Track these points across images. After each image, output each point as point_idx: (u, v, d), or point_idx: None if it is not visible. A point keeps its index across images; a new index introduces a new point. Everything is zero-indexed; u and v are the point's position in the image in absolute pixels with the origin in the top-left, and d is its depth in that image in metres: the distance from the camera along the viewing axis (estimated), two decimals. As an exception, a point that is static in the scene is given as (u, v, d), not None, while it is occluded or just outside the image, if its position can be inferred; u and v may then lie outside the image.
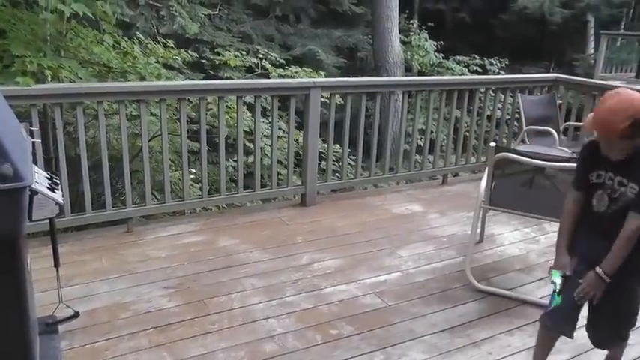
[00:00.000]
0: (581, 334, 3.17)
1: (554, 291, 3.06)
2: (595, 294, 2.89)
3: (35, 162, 3.20)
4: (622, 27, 20.36)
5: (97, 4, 6.06)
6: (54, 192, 3.00)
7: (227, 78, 11.74)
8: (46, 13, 5.67)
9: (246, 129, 7.06)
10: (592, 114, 2.87)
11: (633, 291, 3.01)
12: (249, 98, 6.54)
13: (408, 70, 15.76)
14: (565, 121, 7.10)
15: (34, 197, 2.74)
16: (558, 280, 3.05)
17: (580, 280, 2.94)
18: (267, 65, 11.40)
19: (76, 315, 3.65)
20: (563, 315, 3.06)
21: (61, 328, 3.57)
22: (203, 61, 11.85)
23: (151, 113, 6.41)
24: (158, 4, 11.64)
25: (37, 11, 5.97)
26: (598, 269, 2.86)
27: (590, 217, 3.03)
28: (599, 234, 2.98)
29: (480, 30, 19.63)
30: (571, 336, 3.06)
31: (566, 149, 5.81)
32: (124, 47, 7.29)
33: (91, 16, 6.01)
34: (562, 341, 3.22)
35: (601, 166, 2.93)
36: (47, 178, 3.13)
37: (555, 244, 3.22)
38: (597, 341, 3.23)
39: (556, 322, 3.10)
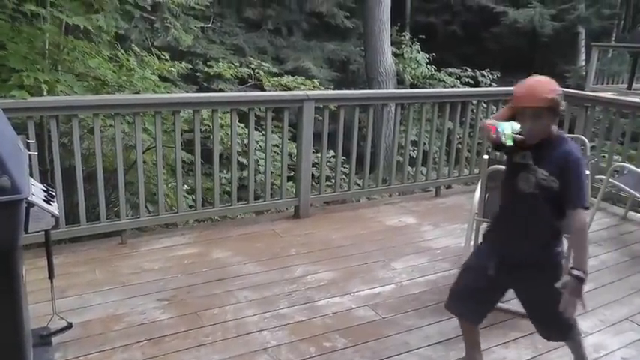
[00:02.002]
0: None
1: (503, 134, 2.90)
2: (581, 299, 2.92)
3: (31, 174, 3.21)
4: (613, 38, 20.50)
5: (94, 17, 6.08)
6: (50, 204, 3.01)
7: (220, 90, 11.79)
8: (45, 24, 5.71)
9: (240, 141, 7.09)
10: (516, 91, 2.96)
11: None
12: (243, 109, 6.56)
13: (400, 82, 15.84)
14: (557, 134, 7.12)
15: (31, 209, 2.75)
16: (507, 130, 2.89)
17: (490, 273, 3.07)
18: (261, 74, 11.43)
19: (70, 326, 3.65)
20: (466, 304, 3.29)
21: (54, 339, 3.58)
22: (197, 73, 11.89)
23: (144, 127, 6.40)
24: (152, 17, 11.65)
25: (36, 25, 5.98)
26: (575, 272, 2.87)
27: (511, 197, 3.14)
28: (518, 220, 3.09)
29: (471, 42, 19.75)
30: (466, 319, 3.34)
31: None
32: (121, 59, 7.30)
33: (90, 29, 6.03)
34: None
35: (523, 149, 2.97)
36: (43, 190, 3.14)
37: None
38: (548, 335, 3.32)
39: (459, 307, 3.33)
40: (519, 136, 2.89)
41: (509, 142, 2.88)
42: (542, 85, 2.88)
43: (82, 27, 5.80)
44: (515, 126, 2.90)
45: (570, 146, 2.96)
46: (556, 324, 3.17)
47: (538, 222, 3.03)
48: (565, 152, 2.91)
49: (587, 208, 2.92)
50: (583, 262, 2.92)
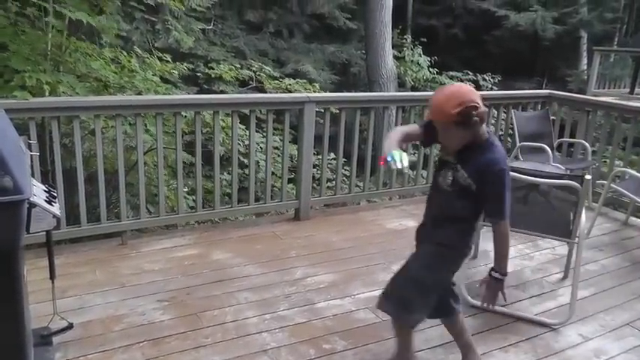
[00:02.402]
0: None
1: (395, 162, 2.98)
2: (498, 296, 3.14)
3: (33, 174, 3.22)
4: (615, 43, 20.46)
5: (97, 18, 6.10)
6: (51, 205, 3.01)
7: (221, 92, 11.81)
8: (49, 17, 5.71)
9: (241, 143, 7.10)
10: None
11: (431, 257, 3.24)
12: (244, 111, 6.56)
13: (401, 85, 15.84)
14: (559, 138, 7.13)
15: (32, 210, 2.75)
16: (397, 159, 2.96)
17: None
18: (263, 76, 11.45)
19: (71, 327, 3.66)
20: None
21: (55, 339, 3.59)
22: (198, 74, 11.90)
23: (146, 127, 6.41)
24: (153, 19, 11.67)
25: (38, 25, 5.99)
26: (494, 273, 3.10)
27: (435, 192, 3.27)
28: (433, 208, 3.31)
29: (472, 46, 19.75)
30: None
31: (560, 165, 5.84)
32: (122, 61, 7.31)
33: (93, 24, 6.04)
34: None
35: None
36: (45, 190, 3.15)
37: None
38: (381, 298, 3.41)
39: None
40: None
41: (405, 165, 2.97)
42: (449, 100, 2.88)
43: (84, 27, 5.79)
44: (404, 155, 2.99)
45: (496, 155, 3.00)
46: (393, 289, 3.33)
47: (449, 215, 3.17)
48: (488, 160, 2.98)
49: (506, 217, 3.04)
50: (502, 265, 3.10)
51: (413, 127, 3.42)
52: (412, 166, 5.93)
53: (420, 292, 3.21)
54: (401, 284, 3.29)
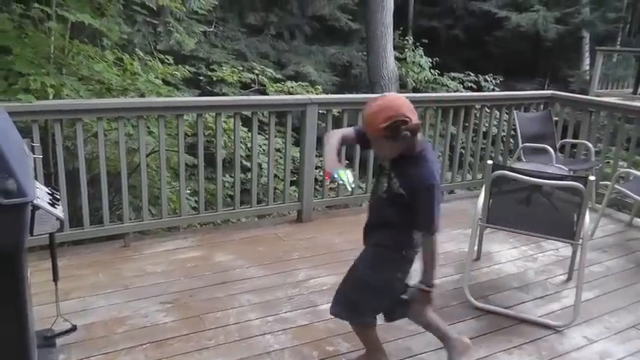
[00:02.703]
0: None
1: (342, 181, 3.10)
2: (427, 306, 3.33)
3: (36, 177, 3.22)
4: (618, 43, 20.37)
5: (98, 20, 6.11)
6: (55, 207, 3.02)
7: (223, 94, 11.81)
8: (52, 22, 5.72)
9: (243, 146, 7.09)
10: None
11: (371, 258, 3.33)
12: (246, 113, 6.55)
13: (403, 86, 15.83)
14: (561, 138, 7.12)
15: (36, 212, 2.76)
16: (344, 177, 3.08)
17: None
18: (265, 80, 11.45)
19: (74, 329, 3.66)
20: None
21: (58, 341, 3.59)
22: (200, 77, 11.90)
23: (149, 129, 6.41)
24: (155, 21, 11.67)
25: (41, 28, 6.00)
26: (420, 284, 3.20)
27: (372, 197, 3.36)
28: (372, 212, 3.36)
29: (473, 47, 19.74)
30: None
31: (563, 166, 5.83)
32: (125, 63, 7.31)
33: (96, 26, 6.05)
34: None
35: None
36: (48, 193, 3.15)
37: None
38: (333, 303, 3.45)
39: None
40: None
41: (350, 180, 3.09)
42: (378, 114, 2.91)
43: (86, 30, 5.81)
44: (349, 173, 3.11)
45: (426, 169, 3.01)
46: (341, 294, 3.41)
47: (381, 220, 3.25)
48: (419, 175, 3.01)
49: (434, 232, 3.07)
50: (429, 278, 3.19)
51: (348, 131, 3.49)
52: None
53: (365, 292, 3.29)
54: (347, 287, 3.39)
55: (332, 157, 3.24)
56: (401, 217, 3.11)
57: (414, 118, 2.94)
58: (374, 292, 3.30)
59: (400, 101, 2.99)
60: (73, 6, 5.95)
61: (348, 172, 3.12)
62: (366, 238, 3.40)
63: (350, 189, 3.20)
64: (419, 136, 3.01)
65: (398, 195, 3.06)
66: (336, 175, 3.09)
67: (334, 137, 3.40)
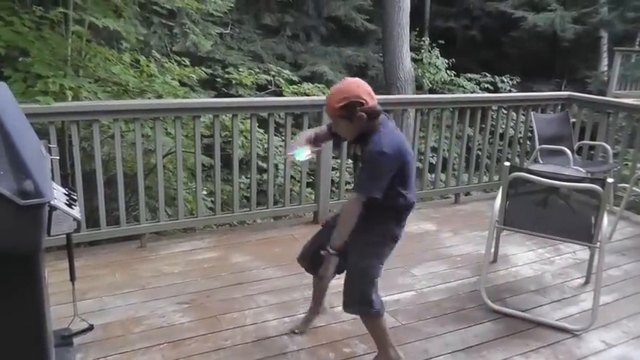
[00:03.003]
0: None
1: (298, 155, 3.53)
2: (330, 268, 3.41)
3: (53, 178, 3.23)
4: (637, 43, 20.15)
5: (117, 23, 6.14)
6: (72, 208, 3.03)
7: (239, 96, 11.83)
8: (76, 25, 5.77)
9: (260, 147, 7.10)
10: None
11: (364, 255, 3.40)
12: (262, 114, 6.55)
13: (419, 87, 15.78)
14: (579, 140, 7.08)
15: (53, 213, 2.77)
16: (304, 155, 3.51)
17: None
18: (281, 82, 11.45)
19: (91, 328, 3.70)
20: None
21: (76, 341, 3.62)
22: (216, 79, 11.92)
23: (165, 130, 6.43)
24: (171, 23, 11.70)
25: (59, 31, 6.03)
26: (328, 248, 3.35)
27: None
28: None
29: (490, 47, 19.64)
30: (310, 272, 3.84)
31: (580, 169, 5.79)
32: (141, 65, 7.34)
33: (118, 29, 6.09)
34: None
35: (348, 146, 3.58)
36: (65, 194, 3.16)
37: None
38: (344, 302, 3.53)
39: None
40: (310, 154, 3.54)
41: (301, 159, 3.55)
42: (334, 95, 3.16)
43: (104, 32, 5.84)
44: (307, 151, 3.51)
45: (381, 138, 3.14)
46: (349, 288, 3.48)
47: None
48: (372, 142, 3.14)
49: (363, 197, 3.20)
50: (335, 243, 3.32)
51: (322, 128, 3.73)
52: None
53: (367, 280, 3.42)
54: (353, 282, 3.47)
55: (299, 139, 3.60)
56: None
57: (372, 102, 3.15)
58: (373, 277, 3.43)
59: (356, 84, 3.20)
60: (95, 9, 5.98)
61: (305, 149, 3.51)
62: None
63: (298, 160, 3.58)
64: (382, 119, 3.24)
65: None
66: (294, 152, 3.51)
67: (307, 131, 3.73)
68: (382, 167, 3.13)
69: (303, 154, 3.51)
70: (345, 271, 3.50)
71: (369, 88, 3.21)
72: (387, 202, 3.23)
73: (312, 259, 3.66)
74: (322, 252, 3.38)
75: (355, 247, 3.38)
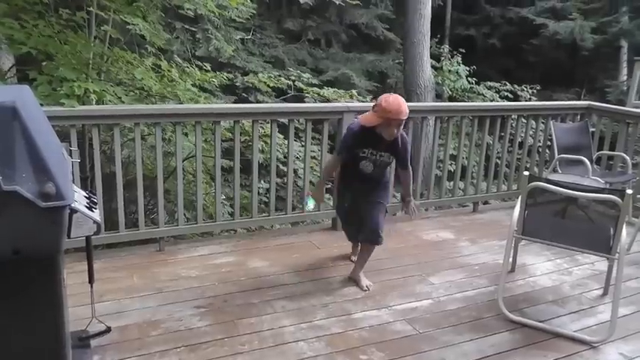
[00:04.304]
0: None
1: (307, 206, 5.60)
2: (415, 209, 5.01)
3: (73, 181, 3.26)
4: (657, 53, 20.04)
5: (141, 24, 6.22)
6: (92, 211, 3.06)
7: (258, 101, 11.86)
8: (105, 25, 5.83)
9: (280, 150, 7.12)
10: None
11: (382, 204, 4.79)
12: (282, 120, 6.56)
13: (439, 95, 15.75)
14: (598, 150, 7.04)
15: (74, 216, 2.80)
16: (312, 204, 5.48)
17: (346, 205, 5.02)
18: (301, 85, 11.47)
19: (108, 330, 3.70)
20: (351, 234, 5.15)
21: (93, 343, 3.63)
22: (236, 83, 11.96)
23: (186, 136, 6.48)
24: (193, 28, 11.77)
25: (82, 36, 6.09)
26: (409, 198, 4.92)
27: (358, 174, 4.65)
28: (365, 182, 4.69)
29: (510, 55, 19.58)
30: (353, 240, 5.20)
31: (599, 179, 5.76)
32: (163, 69, 7.39)
33: (146, 29, 6.16)
34: None
35: (369, 146, 4.54)
36: (85, 197, 3.19)
37: (318, 183, 5.35)
38: (369, 239, 4.77)
39: (350, 237, 5.20)
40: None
41: (308, 208, 5.67)
42: (404, 105, 4.38)
43: (125, 37, 5.91)
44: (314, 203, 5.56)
45: (403, 133, 4.60)
46: (377, 226, 4.70)
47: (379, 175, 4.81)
48: (401, 136, 4.58)
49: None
50: (408, 194, 4.91)
51: (331, 162, 4.95)
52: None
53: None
54: (376, 219, 4.72)
55: (319, 192, 5.21)
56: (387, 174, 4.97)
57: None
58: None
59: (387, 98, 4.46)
60: (123, 10, 6.06)
61: (312, 201, 5.44)
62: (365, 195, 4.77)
63: (306, 209, 5.74)
64: None
65: (387, 163, 4.69)
66: (309, 201, 5.40)
67: (324, 175, 5.20)
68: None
69: (311, 205, 5.45)
70: (371, 217, 4.70)
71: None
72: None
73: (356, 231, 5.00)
74: (407, 199, 4.91)
75: (382, 199, 4.80)
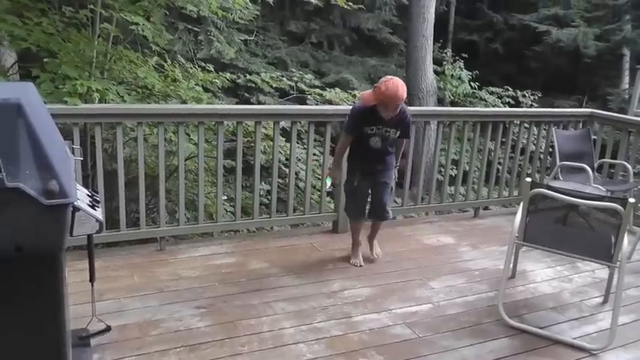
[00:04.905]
0: None
1: (325, 186, 5.36)
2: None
3: (76, 179, 3.26)
4: (660, 62, 20.03)
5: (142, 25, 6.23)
6: (94, 209, 3.06)
7: (260, 102, 11.86)
8: (105, 23, 5.84)
9: (282, 154, 7.12)
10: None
11: (389, 185, 5.15)
12: (284, 123, 6.56)
13: (440, 100, 15.75)
14: (599, 158, 7.04)
15: (76, 214, 2.80)
16: (329, 183, 5.20)
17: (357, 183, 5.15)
18: (303, 87, 11.47)
19: (108, 329, 3.70)
20: (360, 210, 5.31)
21: (93, 341, 3.63)
22: (238, 82, 11.96)
23: (188, 136, 6.48)
24: (196, 29, 11.77)
25: (84, 34, 6.09)
26: (397, 165, 5.26)
27: (367, 150, 4.96)
28: (375, 158, 5.03)
29: (512, 61, 19.59)
30: (357, 218, 5.33)
31: (600, 187, 5.77)
32: (166, 69, 7.39)
33: (148, 29, 6.17)
34: None
35: (375, 123, 4.85)
36: (88, 195, 3.20)
37: (333, 163, 5.28)
38: (379, 216, 5.28)
39: (357, 214, 5.32)
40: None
41: (326, 187, 5.44)
42: (403, 88, 4.69)
43: (128, 36, 5.91)
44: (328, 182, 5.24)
45: (405, 109, 4.95)
46: (386, 204, 5.18)
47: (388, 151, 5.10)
48: (404, 113, 4.93)
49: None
50: (396, 162, 5.25)
51: (343, 142, 5.14)
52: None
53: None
54: (389, 197, 5.21)
55: (335, 171, 5.28)
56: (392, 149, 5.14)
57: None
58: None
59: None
60: (125, 8, 6.07)
61: (329, 180, 5.20)
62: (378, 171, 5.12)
63: (324, 188, 5.66)
64: None
65: (394, 137, 4.98)
66: (327, 181, 5.20)
67: (338, 156, 5.21)
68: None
69: (328, 183, 5.20)
70: (381, 197, 5.14)
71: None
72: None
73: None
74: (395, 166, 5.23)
75: (389, 179, 5.15)
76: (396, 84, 4.64)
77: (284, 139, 7.33)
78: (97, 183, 4.89)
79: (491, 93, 16.50)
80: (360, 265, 5.21)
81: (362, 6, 14.29)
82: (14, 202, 2.45)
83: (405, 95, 4.69)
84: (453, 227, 6.46)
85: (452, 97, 16.38)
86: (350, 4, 8.37)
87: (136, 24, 6.17)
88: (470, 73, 16.67)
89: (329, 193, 6.49)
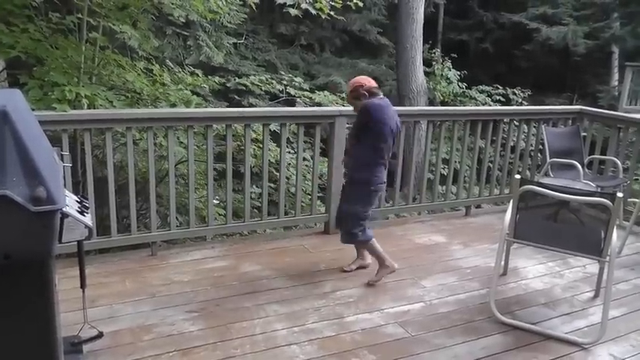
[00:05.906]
0: None
1: None
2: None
3: (65, 185, 3.26)
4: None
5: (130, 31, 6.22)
6: (84, 215, 3.06)
7: (251, 105, 11.86)
8: (93, 32, 5.83)
9: (272, 157, 7.11)
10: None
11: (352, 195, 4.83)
12: (274, 126, 6.56)
13: (431, 99, 15.78)
14: (589, 154, 7.06)
15: (65, 220, 2.80)
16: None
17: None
18: (292, 91, 11.47)
19: (101, 336, 3.69)
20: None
21: (85, 348, 3.62)
22: (228, 85, 11.96)
23: (178, 139, 6.47)
24: (185, 33, 11.76)
25: (72, 40, 6.08)
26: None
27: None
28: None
29: (502, 60, 19.68)
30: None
31: (590, 183, 5.79)
32: (155, 74, 7.38)
33: (135, 36, 6.17)
34: None
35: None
36: (77, 201, 3.19)
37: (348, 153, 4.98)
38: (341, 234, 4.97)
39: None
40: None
41: None
42: (348, 87, 4.80)
43: (116, 42, 5.91)
44: None
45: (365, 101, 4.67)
46: (344, 226, 4.91)
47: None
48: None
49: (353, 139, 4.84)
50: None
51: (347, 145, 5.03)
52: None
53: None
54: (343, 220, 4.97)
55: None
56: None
57: (369, 84, 4.68)
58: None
59: (359, 77, 4.81)
60: (112, 15, 6.06)
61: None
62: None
63: None
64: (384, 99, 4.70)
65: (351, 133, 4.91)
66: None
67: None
68: (361, 118, 4.62)
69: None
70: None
71: (368, 78, 4.78)
72: (365, 152, 4.65)
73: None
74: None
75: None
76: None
77: (275, 144, 7.34)
78: (88, 189, 4.89)
79: (482, 91, 16.57)
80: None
81: (350, 3, 14.29)
82: (1, 209, 2.44)
83: (354, 85, 4.71)
84: (444, 226, 6.47)
85: (442, 97, 16.41)
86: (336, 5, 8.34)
87: (124, 32, 6.17)
88: (458, 73, 16.71)
89: (320, 193, 6.51)
